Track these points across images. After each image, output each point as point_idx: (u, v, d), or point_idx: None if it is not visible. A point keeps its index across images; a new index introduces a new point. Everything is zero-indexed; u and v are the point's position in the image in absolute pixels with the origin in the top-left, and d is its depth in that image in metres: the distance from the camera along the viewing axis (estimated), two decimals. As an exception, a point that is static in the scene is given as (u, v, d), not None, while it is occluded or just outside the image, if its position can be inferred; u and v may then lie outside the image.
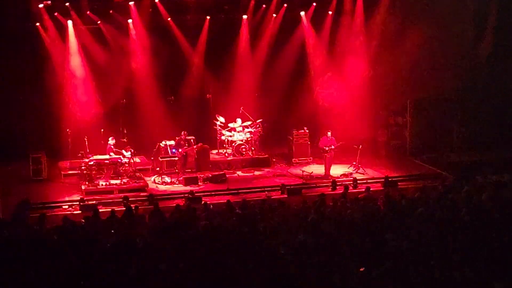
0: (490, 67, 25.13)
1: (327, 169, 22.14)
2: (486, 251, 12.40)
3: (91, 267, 12.27)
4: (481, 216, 14.50)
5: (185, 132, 22.31)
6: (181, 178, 21.50)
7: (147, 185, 21.06)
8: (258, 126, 24.00)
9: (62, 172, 22.45)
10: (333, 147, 22.00)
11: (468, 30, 24.77)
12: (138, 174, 21.61)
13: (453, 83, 24.36)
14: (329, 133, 22.13)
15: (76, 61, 23.52)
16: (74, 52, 23.45)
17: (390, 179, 20.99)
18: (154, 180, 21.75)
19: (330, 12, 24.97)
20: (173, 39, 24.38)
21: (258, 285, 11.46)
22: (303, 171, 22.17)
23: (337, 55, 25.23)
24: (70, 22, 23.14)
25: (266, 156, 23.85)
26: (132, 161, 21.50)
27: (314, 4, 24.95)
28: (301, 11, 25.07)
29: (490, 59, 25.17)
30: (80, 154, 21.63)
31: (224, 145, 23.97)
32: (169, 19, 24.15)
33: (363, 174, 22.08)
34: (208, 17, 24.53)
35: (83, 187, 20.56)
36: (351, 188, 20.60)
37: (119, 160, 21.23)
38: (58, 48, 23.40)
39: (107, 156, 21.27)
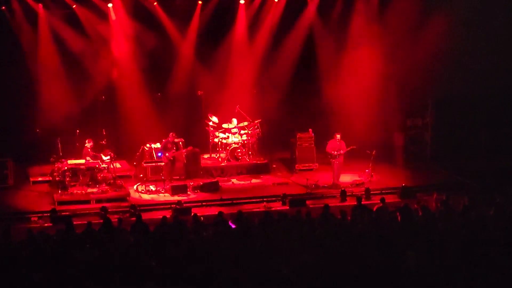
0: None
1: (335, 177, 22.16)
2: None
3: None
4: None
5: (173, 134, 22.32)
6: (168, 186, 21.49)
7: (129, 194, 21.07)
8: (256, 127, 24.02)
9: (31, 179, 22.44)
10: (342, 152, 22.00)
11: (499, 18, 24.70)
12: (119, 181, 21.61)
13: (481, 80, 24.31)
14: (338, 136, 22.13)
15: (48, 51, 23.53)
16: (45, 40, 23.46)
17: (408, 189, 20.98)
18: (137, 188, 21.74)
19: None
20: (160, 26, 24.41)
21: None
22: (307, 180, 22.18)
23: (348, 46, 25.23)
24: (41, 6, 23.14)
25: (265, 161, 23.87)
26: (111, 166, 21.49)
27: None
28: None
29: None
30: (52, 159, 21.62)
31: (218, 149, 23.97)
32: (155, 3, 24.19)
33: (376, 183, 22.06)
34: (200, 1, 24.55)
35: (55, 196, 20.52)
36: (363, 199, 20.66)
37: (97, 166, 21.21)
38: (27, 36, 23.40)
39: (83, 161, 21.25)
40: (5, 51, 23.44)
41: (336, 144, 22.14)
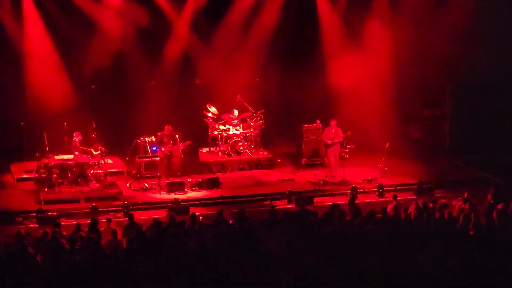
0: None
1: (332, 168, 22.37)
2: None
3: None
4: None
5: (169, 127, 22.45)
6: (164, 183, 21.62)
7: (121, 192, 21.18)
8: (259, 118, 24.10)
9: (15, 176, 22.58)
10: (337, 140, 22.27)
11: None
12: (110, 178, 21.71)
13: (506, 64, 24.28)
14: (333, 123, 22.35)
15: (33, 38, 23.64)
16: (31, 27, 23.57)
17: (424, 186, 21.09)
18: (130, 185, 21.85)
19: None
20: (155, 8, 24.47)
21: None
22: (315, 175, 22.28)
23: (359, 29, 25.25)
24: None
25: (270, 156, 23.97)
26: (102, 162, 21.60)
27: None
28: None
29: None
30: (38, 154, 21.75)
31: (217, 142, 24.06)
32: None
33: (390, 178, 22.17)
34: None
35: (41, 195, 20.66)
36: (375, 196, 20.76)
37: (87, 161, 21.33)
38: (12, 23, 23.52)
39: (71, 156, 21.38)
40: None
41: (332, 132, 22.35)
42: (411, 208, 17.53)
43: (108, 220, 17.28)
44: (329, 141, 22.34)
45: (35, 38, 23.76)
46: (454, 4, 24.12)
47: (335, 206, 17.73)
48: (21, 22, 23.64)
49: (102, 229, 16.82)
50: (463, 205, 17.58)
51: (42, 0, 23.66)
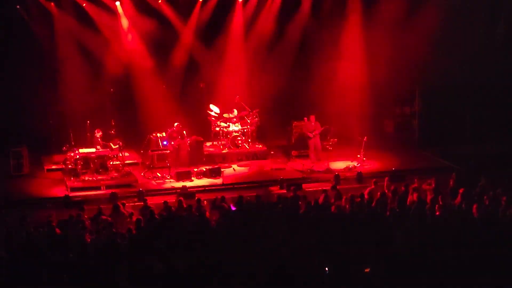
0: (505, 51, 24.93)
1: (315, 157, 22.38)
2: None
3: (79, 268, 12.37)
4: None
5: (179, 124, 22.34)
6: (173, 173, 21.51)
7: (136, 180, 21.06)
8: (255, 116, 24.00)
9: (45, 167, 22.46)
10: (317, 132, 22.35)
11: (482, 11, 24.58)
12: (127, 168, 21.61)
13: (466, 69, 24.21)
14: (312, 118, 22.37)
15: (63, 47, 23.56)
16: (61, 36, 23.52)
17: (397, 173, 21.00)
18: (144, 175, 21.75)
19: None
20: (165, 22, 24.41)
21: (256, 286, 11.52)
22: (303, 165, 22.16)
23: (340, 36, 25.13)
24: (52, 5, 23.20)
25: (264, 148, 23.87)
26: (120, 154, 21.50)
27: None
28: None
29: (506, 43, 24.99)
30: (64, 148, 21.65)
31: (219, 137, 23.95)
32: (159, 1, 24.22)
33: (367, 167, 22.07)
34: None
35: (68, 183, 20.56)
36: (355, 183, 20.66)
37: (107, 154, 21.23)
38: (44, 32, 23.43)
39: (93, 150, 21.28)
40: (22, 47, 23.36)
41: (311, 125, 22.33)
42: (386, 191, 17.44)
43: (123, 205, 17.15)
44: (311, 134, 22.29)
45: (64, 51, 23.67)
46: (420, 16, 24.02)
47: (322, 191, 17.66)
48: (52, 37, 23.60)
49: (120, 212, 16.73)
50: (430, 189, 17.57)
51: (68, 17, 23.56)
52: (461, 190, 16.49)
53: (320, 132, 22.57)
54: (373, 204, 16.15)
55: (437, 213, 15.26)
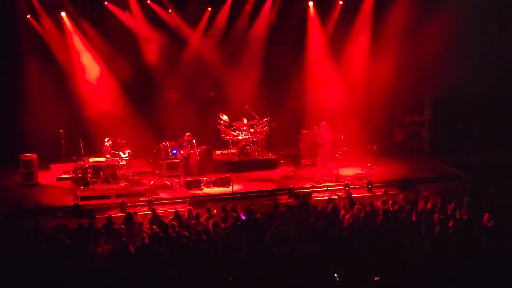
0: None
1: (322, 163, 22.52)
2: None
3: (89, 276, 12.45)
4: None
5: (189, 134, 22.45)
6: (183, 181, 21.58)
7: (146, 189, 21.15)
8: (264, 125, 24.05)
9: (56, 176, 22.59)
10: (328, 140, 22.43)
11: (492, 21, 24.59)
12: (137, 177, 21.69)
13: (476, 79, 24.22)
14: (323, 125, 22.46)
15: (74, 57, 23.72)
16: (71, 45, 23.64)
17: (407, 181, 21.04)
18: (154, 183, 21.83)
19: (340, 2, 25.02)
20: (174, 32, 24.51)
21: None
22: (313, 174, 22.21)
23: (349, 43, 25.16)
24: (64, 14, 23.34)
25: (274, 157, 23.92)
26: (130, 163, 21.58)
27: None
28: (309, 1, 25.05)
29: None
30: (74, 157, 21.76)
31: (229, 146, 24.00)
32: (170, 10, 24.36)
33: (377, 176, 22.07)
34: (209, 8, 24.69)
35: (78, 192, 20.68)
36: (365, 191, 20.70)
37: (116, 163, 21.33)
38: (55, 41, 23.57)
39: (103, 159, 21.38)
40: (34, 56, 23.55)
41: (323, 133, 22.34)
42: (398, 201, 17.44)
43: (135, 213, 17.25)
44: (322, 140, 22.33)
45: (74, 61, 23.81)
46: (431, 27, 24.07)
47: (330, 200, 17.70)
48: (63, 45, 23.66)
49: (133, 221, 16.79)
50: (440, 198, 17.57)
51: (79, 27, 23.72)
52: (468, 200, 16.45)
53: (332, 140, 22.57)
54: (382, 213, 16.14)
55: (447, 223, 15.26)
